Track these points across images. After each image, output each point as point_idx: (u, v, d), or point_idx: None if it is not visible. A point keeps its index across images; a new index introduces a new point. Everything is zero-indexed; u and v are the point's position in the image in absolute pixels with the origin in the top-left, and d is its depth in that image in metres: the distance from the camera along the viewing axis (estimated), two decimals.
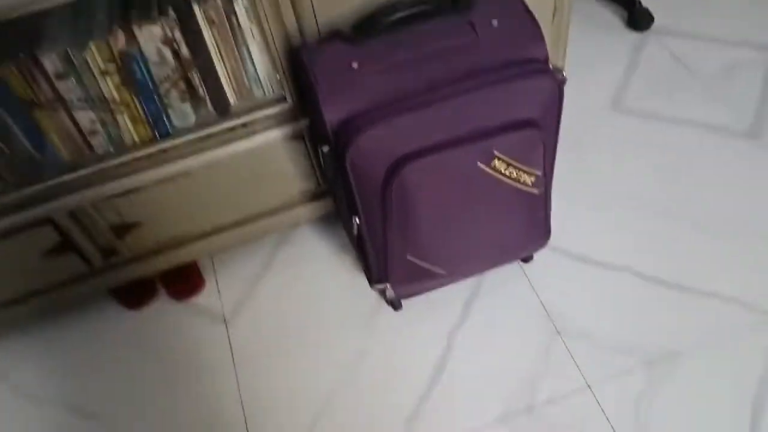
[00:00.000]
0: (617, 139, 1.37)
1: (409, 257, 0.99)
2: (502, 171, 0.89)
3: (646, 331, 1.12)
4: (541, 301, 1.18)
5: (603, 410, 1.06)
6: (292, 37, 0.97)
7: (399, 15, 0.91)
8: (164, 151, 1.05)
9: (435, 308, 1.18)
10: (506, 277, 1.20)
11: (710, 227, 1.22)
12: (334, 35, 0.93)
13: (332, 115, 0.86)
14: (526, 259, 1.19)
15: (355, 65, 0.87)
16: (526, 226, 1.03)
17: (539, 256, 1.20)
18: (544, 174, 0.94)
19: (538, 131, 0.88)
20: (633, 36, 1.54)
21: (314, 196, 1.23)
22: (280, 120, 1.08)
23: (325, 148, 0.90)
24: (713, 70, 1.44)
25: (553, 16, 1.15)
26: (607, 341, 1.12)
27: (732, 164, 1.29)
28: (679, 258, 1.19)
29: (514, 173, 0.90)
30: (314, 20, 0.96)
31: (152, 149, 1.04)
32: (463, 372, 1.12)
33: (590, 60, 1.50)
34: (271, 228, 1.25)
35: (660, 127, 1.37)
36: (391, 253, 0.98)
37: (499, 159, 0.87)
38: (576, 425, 1.05)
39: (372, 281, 1.09)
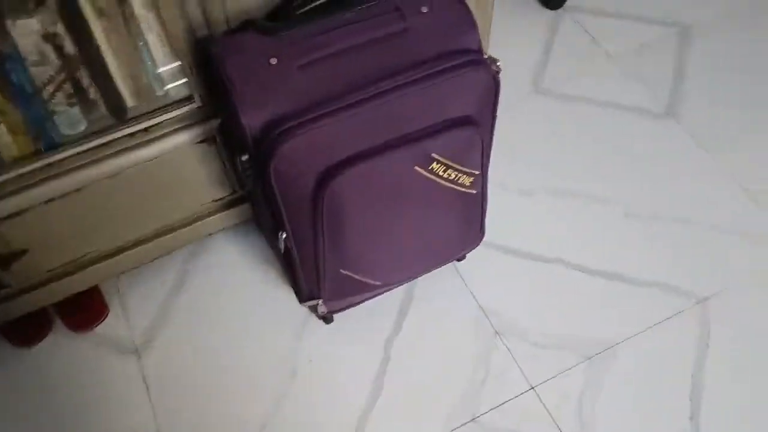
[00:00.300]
0: (540, 122, 1.34)
1: (342, 271, 0.91)
2: (441, 174, 0.82)
3: (583, 324, 1.10)
4: (477, 301, 1.13)
5: (548, 411, 1.02)
6: (197, 28, 0.86)
7: (317, 3, 0.81)
8: (52, 164, 0.91)
9: (368, 318, 1.11)
10: (439, 278, 1.14)
11: (637, 212, 1.21)
12: (247, 26, 0.83)
13: (251, 120, 0.76)
14: (459, 258, 1.14)
15: (273, 61, 0.77)
16: (462, 227, 0.97)
17: (472, 253, 1.15)
18: (482, 172, 0.88)
19: (477, 129, 0.81)
20: (547, 14, 1.51)
21: (230, 204, 1.12)
22: (187, 122, 0.96)
23: (244, 158, 0.80)
24: (627, 49, 1.44)
25: None
26: (546, 338, 1.09)
27: (653, 145, 1.29)
28: (608, 245, 1.18)
29: (453, 175, 0.83)
30: (222, 8, 0.85)
31: (37, 164, 0.89)
32: (404, 384, 1.06)
33: (507, 40, 1.46)
34: (182, 242, 1.13)
35: (581, 109, 1.35)
36: (323, 269, 0.89)
37: (437, 162, 0.80)
38: (522, 429, 1.01)
39: (302, 299, 0.99)
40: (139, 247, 1.09)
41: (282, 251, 0.89)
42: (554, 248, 1.17)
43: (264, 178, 0.78)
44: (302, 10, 0.81)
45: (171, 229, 1.10)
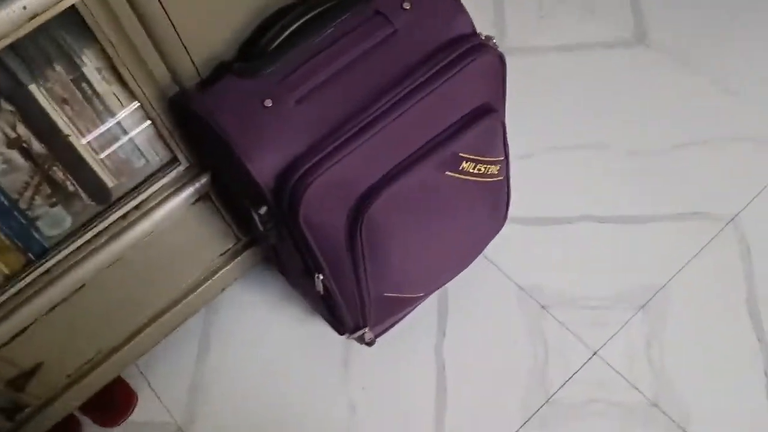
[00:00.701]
0: (516, 82, 1.27)
1: (386, 294, 0.85)
2: (471, 171, 0.77)
3: (627, 274, 1.07)
4: (513, 281, 1.09)
5: (618, 372, 1.00)
6: (166, 88, 0.78)
7: (291, 29, 0.74)
8: (47, 272, 0.83)
9: (410, 329, 1.06)
10: (469, 268, 1.09)
11: (640, 147, 1.18)
12: (223, 71, 0.75)
13: (264, 171, 0.69)
14: None
15: (268, 103, 0.70)
16: (492, 214, 0.93)
17: None
18: (505, 157, 0.84)
19: (496, 114, 0.76)
20: None
21: (236, 253, 1.05)
22: (177, 186, 0.89)
23: (263, 210, 0.73)
24: None
25: None
26: (594, 299, 1.06)
27: (634, 75, 1.26)
28: (625, 189, 1.15)
29: (482, 169, 0.78)
30: (189, 60, 0.77)
31: (31, 276, 0.81)
32: (468, 385, 1.02)
33: None
34: (198, 305, 1.06)
35: (553, 59, 1.30)
36: (368, 298, 0.84)
37: (466, 160, 0.75)
38: (599, 397, 0.99)
39: (345, 331, 0.94)
40: (155, 324, 1.01)
41: (321, 292, 0.83)
42: (575, 206, 1.13)
43: (293, 228, 0.71)
44: (277, 42, 0.73)
45: (184, 296, 1.03)
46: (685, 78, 1.24)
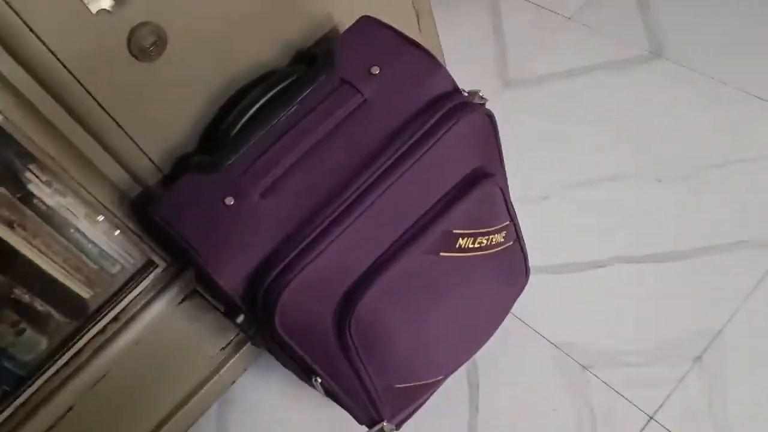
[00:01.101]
0: (525, 117, 1.18)
1: (397, 386, 0.76)
2: (471, 246, 0.67)
3: (675, 321, 0.94)
4: (547, 339, 0.98)
5: None
6: (127, 189, 0.71)
7: (251, 112, 0.67)
8: (25, 402, 0.76)
9: (438, 407, 0.95)
10: (498, 330, 0.99)
11: (669, 172, 1.06)
12: (183, 166, 0.68)
13: (231, 279, 0.61)
14: None
15: (230, 201, 0.62)
16: (510, 279, 0.83)
17: None
18: (511, 219, 0.74)
19: (491, 178, 0.67)
20: (482, 1, 1.37)
21: (239, 344, 0.98)
22: (158, 289, 0.82)
23: (240, 318, 0.65)
24: (580, 2, 1.29)
25: (418, 22, 0.95)
26: (641, 354, 0.93)
27: (654, 93, 1.14)
28: (657, 222, 1.02)
29: (484, 241, 0.69)
30: (147, 159, 0.70)
31: (9, 410, 0.74)
32: None
33: (456, 44, 1.31)
34: (207, 404, 0.99)
35: (562, 85, 1.20)
36: (376, 394, 0.74)
37: (462, 237, 0.65)
38: None
39: (363, 423, 0.84)
40: (164, 429, 0.94)
41: (323, 393, 0.74)
42: (603, 248, 1.02)
43: (274, 334, 0.63)
44: (238, 127, 0.66)
45: (191, 395, 0.96)
46: (713, 88, 1.12)
